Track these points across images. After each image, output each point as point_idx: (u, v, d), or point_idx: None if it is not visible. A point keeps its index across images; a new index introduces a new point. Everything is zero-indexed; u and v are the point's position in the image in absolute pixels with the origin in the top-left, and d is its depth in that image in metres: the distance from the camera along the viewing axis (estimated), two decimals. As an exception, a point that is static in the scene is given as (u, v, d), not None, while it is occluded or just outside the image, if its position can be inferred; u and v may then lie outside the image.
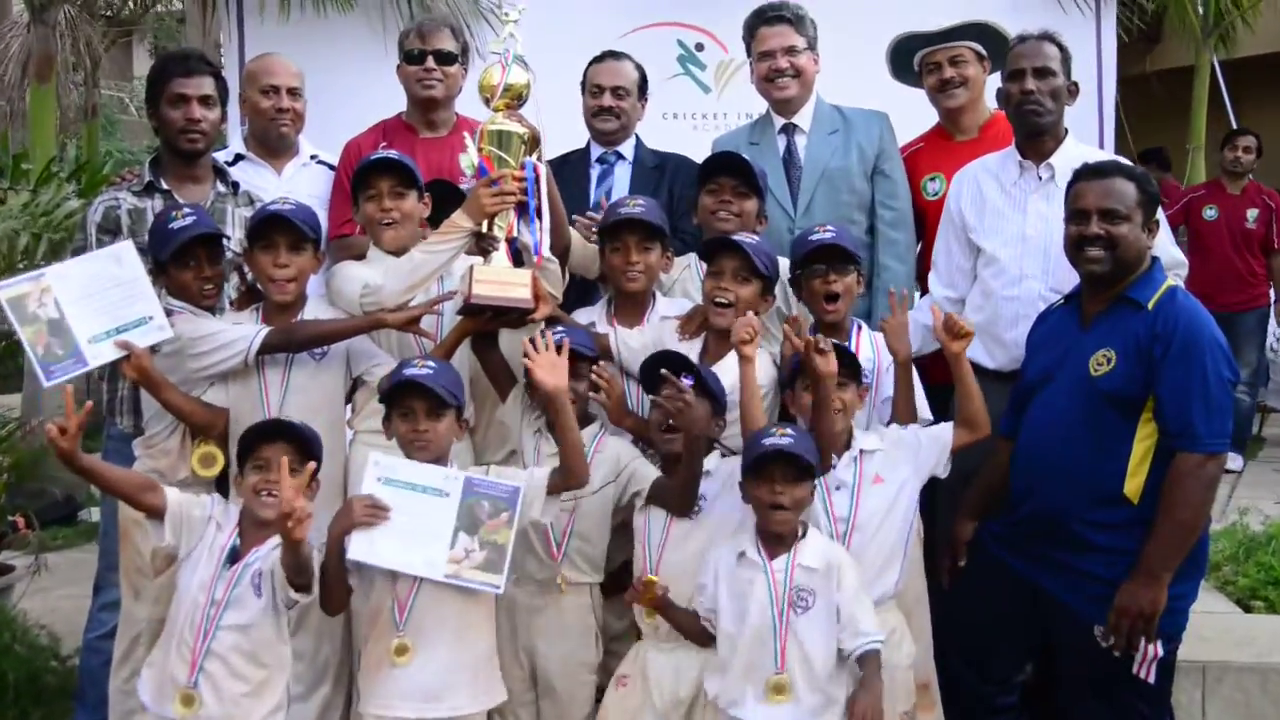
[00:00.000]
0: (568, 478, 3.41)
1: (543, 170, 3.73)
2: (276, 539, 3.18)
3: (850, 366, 3.58)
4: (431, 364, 3.42)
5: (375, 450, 3.47)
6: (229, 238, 3.94)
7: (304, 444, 3.26)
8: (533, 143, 3.74)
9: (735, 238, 3.78)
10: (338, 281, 3.78)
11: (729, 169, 4.01)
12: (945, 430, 3.70)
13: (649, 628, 3.56)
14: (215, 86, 4.14)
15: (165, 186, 4.10)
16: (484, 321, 3.69)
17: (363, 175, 3.86)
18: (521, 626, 3.65)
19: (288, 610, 3.27)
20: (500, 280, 3.61)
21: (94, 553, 4.33)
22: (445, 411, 3.37)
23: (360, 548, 3.25)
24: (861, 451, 3.61)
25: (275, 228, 3.67)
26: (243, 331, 3.65)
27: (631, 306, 4.00)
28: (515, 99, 3.76)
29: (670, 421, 3.49)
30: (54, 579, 5.48)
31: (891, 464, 3.63)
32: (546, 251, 3.73)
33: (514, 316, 3.68)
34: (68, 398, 3.17)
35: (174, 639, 3.23)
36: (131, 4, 9.52)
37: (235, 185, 4.24)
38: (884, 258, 4.47)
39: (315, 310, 3.80)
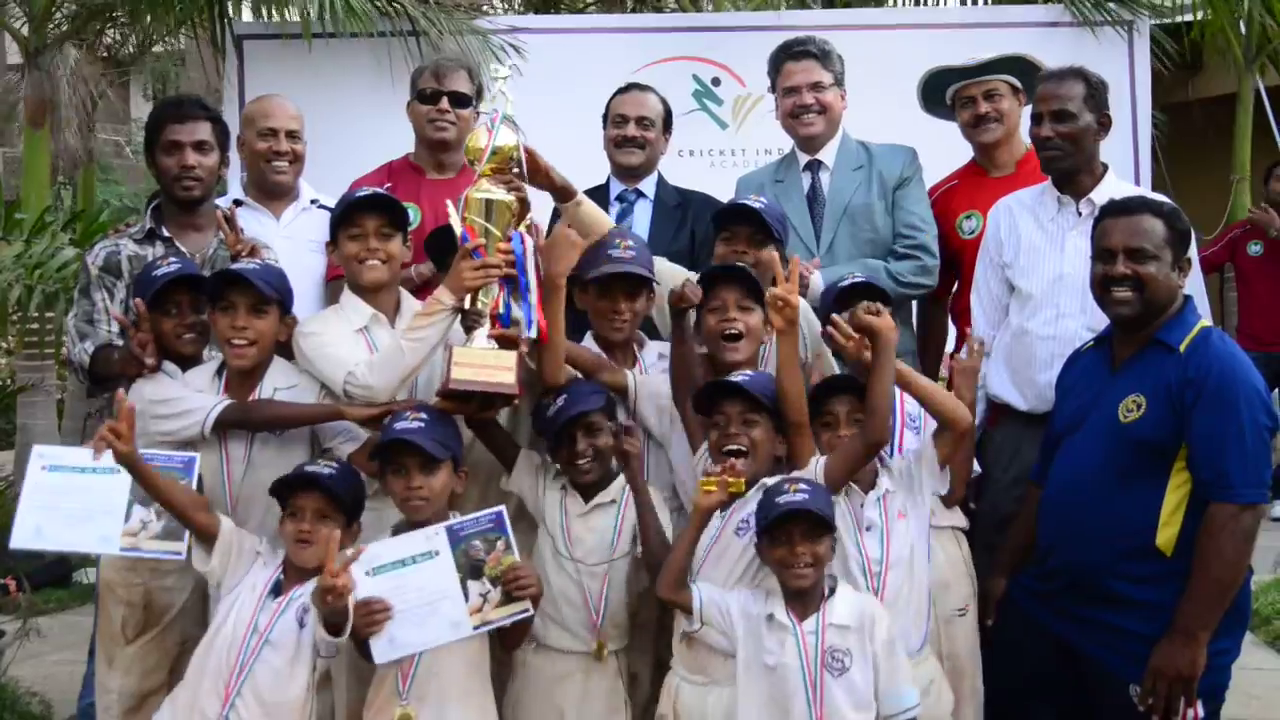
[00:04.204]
0: None
1: (530, 243, 3.65)
2: (318, 577, 3.27)
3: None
4: (424, 415, 3.43)
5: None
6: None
7: (331, 494, 3.33)
8: (522, 211, 3.67)
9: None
10: (317, 357, 3.67)
11: (742, 217, 4.00)
12: (928, 449, 3.67)
13: (682, 655, 3.52)
14: (213, 131, 4.21)
15: (166, 234, 4.17)
16: (469, 409, 3.58)
17: (348, 212, 3.79)
18: (546, 695, 3.65)
19: (320, 657, 3.33)
20: (481, 364, 3.49)
21: (89, 615, 4.37)
22: (439, 465, 3.39)
23: (382, 649, 3.28)
24: (886, 491, 3.61)
25: (235, 288, 3.63)
26: (202, 401, 3.63)
27: (619, 349, 3.97)
28: (504, 162, 3.66)
29: (732, 447, 3.47)
30: (47, 643, 5.51)
31: (909, 497, 3.63)
32: (532, 332, 3.62)
33: (498, 402, 3.60)
34: (120, 399, 3.24)
35: (205, 673, 3.29)
36: (130, 45, 9.67)
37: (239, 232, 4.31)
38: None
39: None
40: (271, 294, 3.65)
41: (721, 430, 3.52)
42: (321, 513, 3.34)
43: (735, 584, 3.48)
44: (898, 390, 3.85)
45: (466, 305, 3.56)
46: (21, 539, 3.33)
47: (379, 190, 3.89)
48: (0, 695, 4.86)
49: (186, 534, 3.38)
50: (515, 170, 3.69)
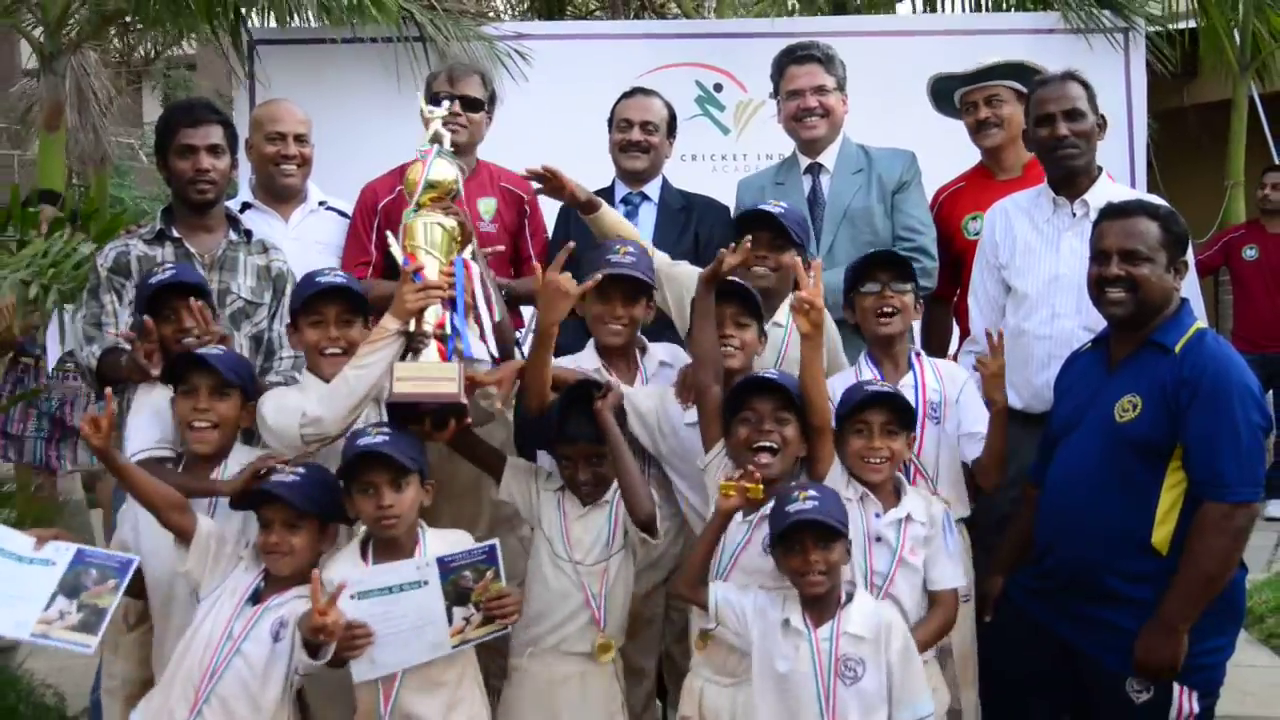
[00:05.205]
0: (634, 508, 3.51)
1: (474, 268, 3.64)
2: (298, 588, 3.26)
3: (903, 414, 3.57)
4: (386, 430, 3.35)
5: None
6: (205, 291, 3.90)
7: (293, 506, 3.29)
8: (465, 238, 3.68)
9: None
10: (272, 413, 3.57)
11: (763, 222, 3.99)
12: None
13: (699, 659, 3.52)
14: (224, 135, 4.21)
15: (176, 235, 4.17)
16: (422, 429, 3.50)
17: (307, 300, 3.71)
18: (543, 700, 3.60)
19: (298, 674, 3.28)
20: (422, 376, 3.43)
21: (103, 610, 4.37)
22: (408, 479, 3.32)
23: (362, 670, 3.26)
24: (909, 516, 3.57)
25: (196, 371, 3.54)
26: (128, 436, 3.66)
27: (620, 356, 3.97)
28: (444, 194, 3.67)
29: (763, 444, 3.47)
30: (61, 637, 5.52)
31: (929, 549, 3.59)
32: (482, 354, 3.64)
33: (447, 414, 3.51)
34: (109, 399, 3.26)
35: (179, 675, 3.25)
36: (141, 51, 9.70)
37: (248, 233, 4.30)
38: None
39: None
40: (233, 378, 3.55)
41: (753, 426, 3.49)
42: (289, 523, 3.29)
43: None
44: (919, 379, 3.86)
45: (412, 328, 3.52)
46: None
47: (339, 279, 3.79)
48: (16, 687, 4.87)
49: (101, 627, 3.28)
50: (453, 198, 3.70)
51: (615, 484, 3.66)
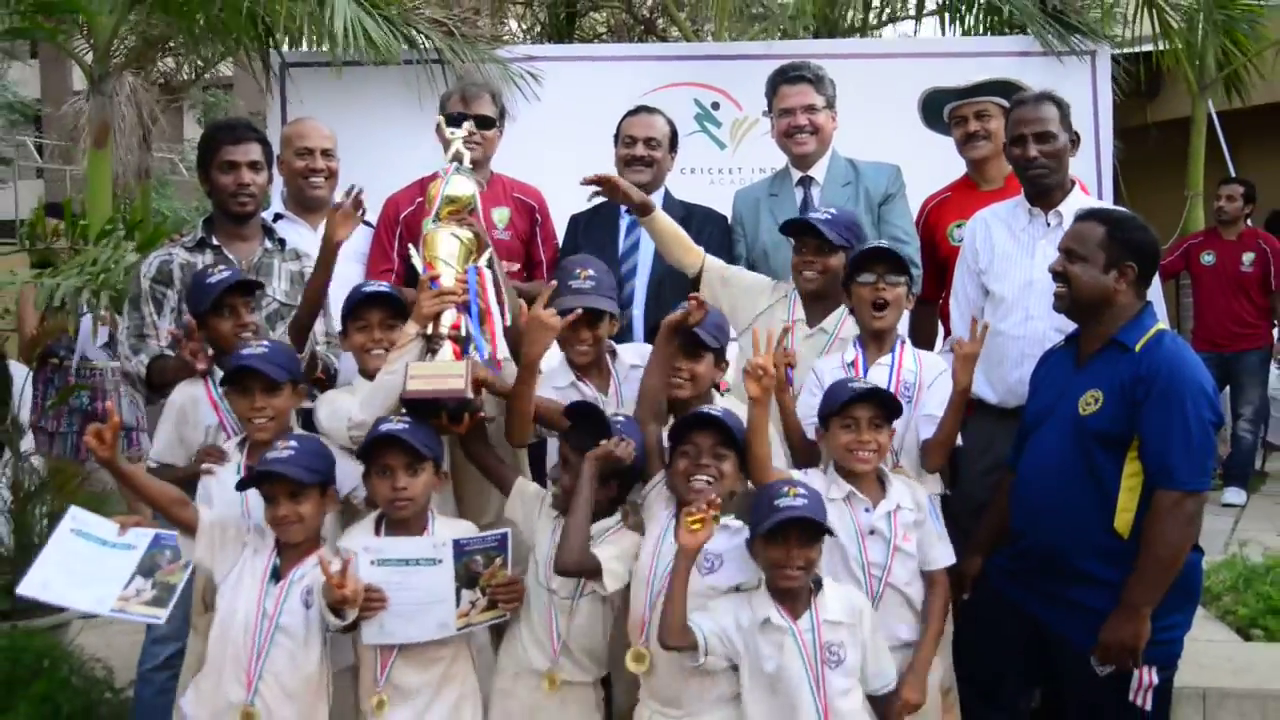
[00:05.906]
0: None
1: (488, 276, 3.67)
2: (314, 555, 3.30)
3: (887, 408, 3.54)
4: (407, 420, 3.40)
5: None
6: (262, 286, 4.02)
7: (294, 480, 3.30)
8: (480, 248, 3.71)
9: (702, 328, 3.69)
10: (326, 418, 3.69)
11: (810, 230, 4.01)
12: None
13: (645, 690, 3.42)
14: (262, 152, 4.26)
15: (216, 243, 4.21)
16: (438, 422, 3.53)
17: (353, 306, 3.79)
18: (526, 717, 3.51)
19: (328, 632, 3.33)
20: (433, 374, 3.48)
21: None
22: (423, 465, 3.36)
23: (372, 633, 3.32)
24: (899, 506, 3.55)
25: (248, 374, 3.56)
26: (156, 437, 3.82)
27: (591, 367, 3.93)
28: (462, 209, 3.71)
29: (700, 476, 3.36)
30: (110, 615, 5.52)
31: (920, 532, 3.59)
32: (502, 352, 3.66)
33: (460, 410, 3.54)
34: (110, 409, 3.28)
35: (225, 661, 3.29)
36: (183, 74, 9.74)
37: (282, 242, 4.34)
38: None
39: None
40: (281, 375, 3.58)
41: (691, 459, 3.40)
42: (293, 494, 3.31)
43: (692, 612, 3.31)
44: (896, 358, 3.85)
45: (429, 331, 3.57)
46: (28, 589, 3.34)
47: (382, 287, 3.87)
48: (68, 661, 4.87)
49: (172, 602, 3.38)
50: (470, 211, 3.74)
51: (603, 525, 3.50)
